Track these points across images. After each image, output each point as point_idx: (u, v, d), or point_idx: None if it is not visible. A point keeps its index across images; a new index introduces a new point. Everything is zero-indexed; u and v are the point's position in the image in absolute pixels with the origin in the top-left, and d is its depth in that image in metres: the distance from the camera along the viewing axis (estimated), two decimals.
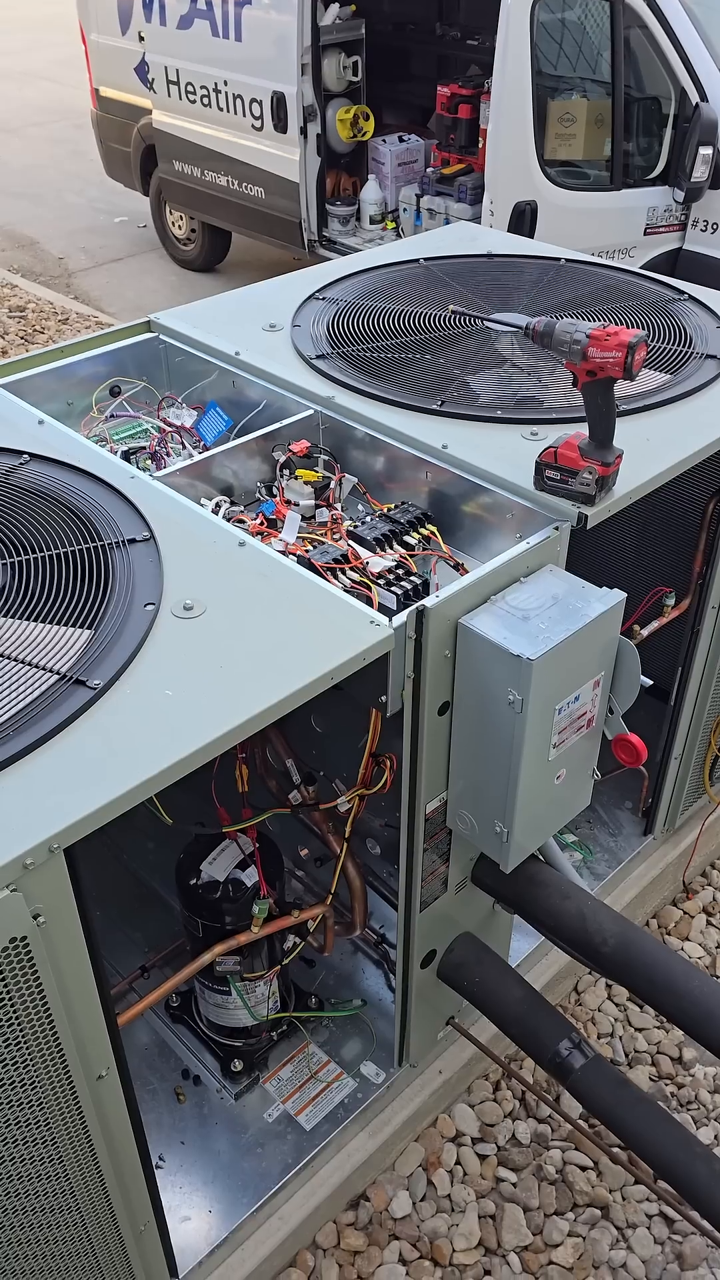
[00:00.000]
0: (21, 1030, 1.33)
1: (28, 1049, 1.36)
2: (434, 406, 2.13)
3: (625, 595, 1.80)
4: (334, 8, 5.69)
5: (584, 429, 1.87)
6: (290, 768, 2.21)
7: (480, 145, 5.49)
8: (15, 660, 1.48)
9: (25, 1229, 1.55)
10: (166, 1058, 2.39)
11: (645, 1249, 2.27)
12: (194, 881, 2.08)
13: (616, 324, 2.11)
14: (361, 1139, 2.30)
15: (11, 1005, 1.30)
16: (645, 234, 5.01)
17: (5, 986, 1.28)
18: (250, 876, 2.07)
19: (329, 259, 2.98)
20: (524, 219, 4.83)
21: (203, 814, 2.05)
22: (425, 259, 2.84)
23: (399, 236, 6.08)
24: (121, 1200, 1.66)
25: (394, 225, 6.17)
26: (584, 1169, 2.40)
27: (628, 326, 2.13)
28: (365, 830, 2.40)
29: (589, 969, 2.40)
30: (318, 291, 2.66)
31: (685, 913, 3.00)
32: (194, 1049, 2.38)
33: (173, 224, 7.62)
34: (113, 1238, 1.70)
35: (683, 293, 2.62)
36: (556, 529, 1.84)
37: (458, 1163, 2.41)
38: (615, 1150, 2.30)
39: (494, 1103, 2.51)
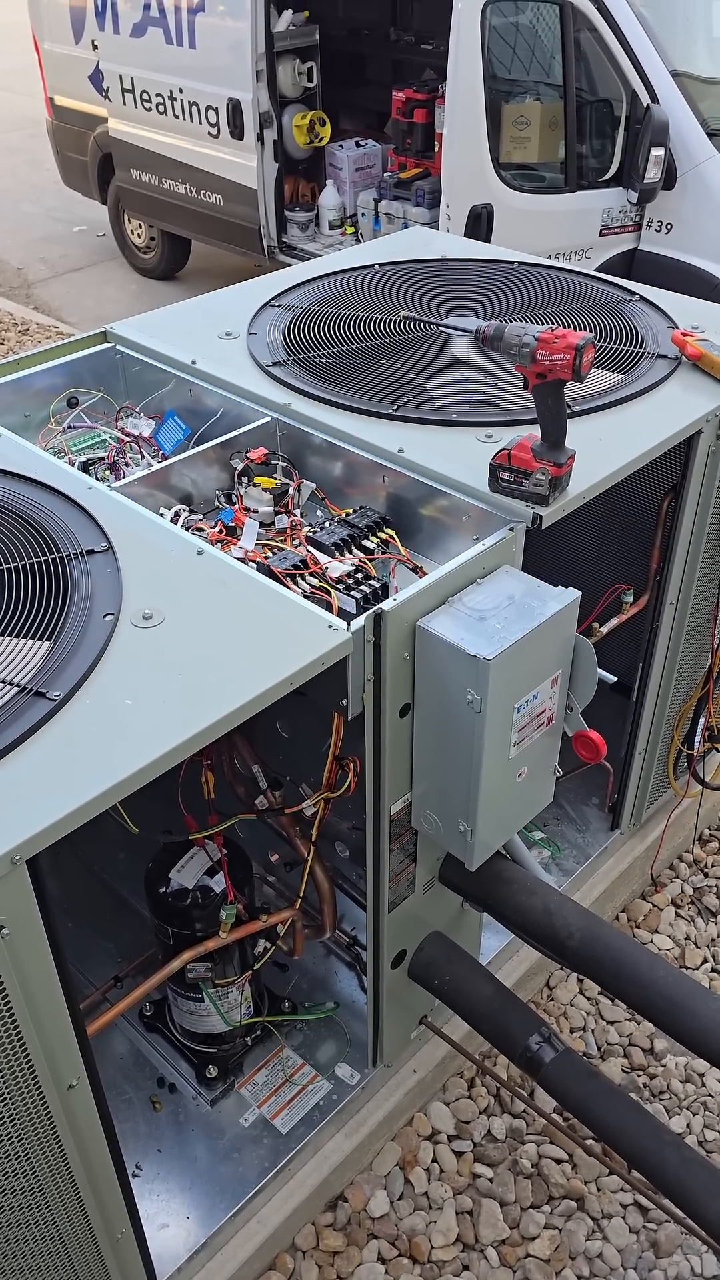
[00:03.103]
0: None
1: None
2: (390, 411, 2.15)
3: (580, 593, 1.83)
4: (287, 14, 5.71)
5: (537, 431, 1.89)
6: (256, 773, 2.22)
7: (436, 149, 5.52)
8: None
9: (1, 1241, 1.55)
10: (142, 1067, 2.39)
11: (620, 1238, 2.30)
12: (163, 889, 2.09)
13: (567, 326, 2.14)
14: (338, 1140, 2.31)
15: None
16: (600, 235, 5.06)
17: None
18: (219, 883, 2.08)
19: (289, 265, 3.00)
20: (480, 222, 4.87)
21: (171, 822, 2.06)
22: (380, 264, 2.86)
23: (358, 241, 6.10)
24: (97, 1209, 1.66)
25: (353, 230, 6.19)
26: (559, 1162, 2.42)
27: (579, 328, 2.16)
28: (332, 833, 2.42)
29: (557, 964, 2.43)
30: (273, 298, 2.68)
31: (654, 905, 3.04)
32: (169, 1057, 2.39)
33: (132, 232, 7.61)
34: (89, 1247, 1.70)
35: (634, 293, 2.66)
36: (512, 530, 1.87)
37: (434, 1160, 2.42)
38: (589, 1142, 2.32)
39: (469, 1100, 2.53)
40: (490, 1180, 2.39)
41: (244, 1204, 2.16)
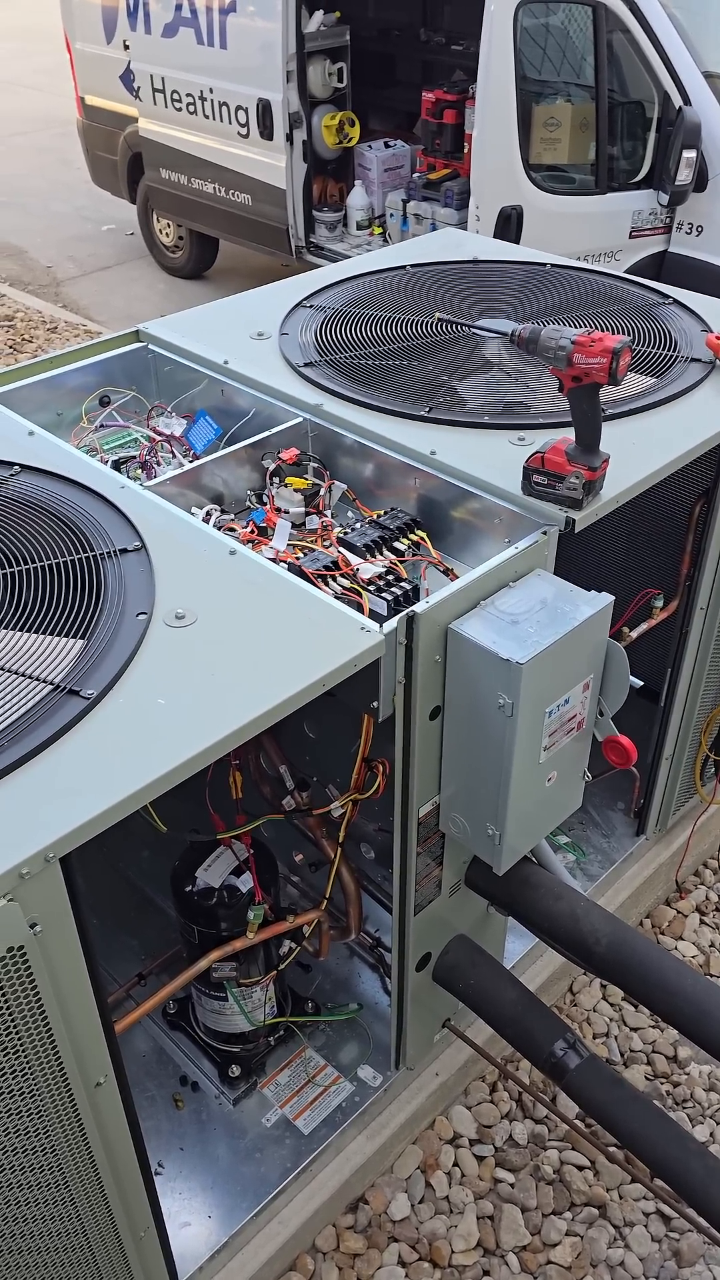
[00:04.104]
0: (19, 1039, 1.34)
1: (26, 1058, 1.36)
2: (422, 413, 2.15)
3: (613, 598, 1.82)
4: (318, 14, 5.71)
5: (571, 434, 1.88)
6: (284, 774, 2.22)
7: (466, 150, 5.52)
8: (9, 671, 1.49)
9: (26, 1236, 1.55)
10: (164, 1065, 2.39)
11: (643, 1247, 2.29)
12: (189, 888, 2.09)
13: (602, 329, 2.13)
14: (360, 1142, 2.31)
15: (9, 1014, 1.31)
16: (630, 237, 5.04)
17: (3, 996, 1.29)
18: (245, 883, 2.08)
19: (317, 265, 3.00)
20: (510, 223, 4.86)
21: (197, 821, 2.06)
22: (411, 265, 2.86)
23: (386, 242, 6.10)
24: (121, 1207, 1.67)
25: (381, 231, 6.19)
26: (581, 1168, 2.41)
27: (613, 331, 2.15)
28: (359, 835, 2.41)
29: (583, 969, 2.42)
30: (305, 299, 2.68)
31: (679, 912, 3.02)
32: (192, 1055, 2.39)
33: (160, 231, 7.63)
34: (113, 1244, 1.71)
35: (667, 296, 2.64)
36: (544, 533, 1.86)
37: (455, 1164, 2.42)
38: (612, 1149, 2.31)
39: (491, 1104, 2.52)
40: (512, 1185, 2.38)
41: (265, 1204, 2.16)
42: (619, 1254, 2.27)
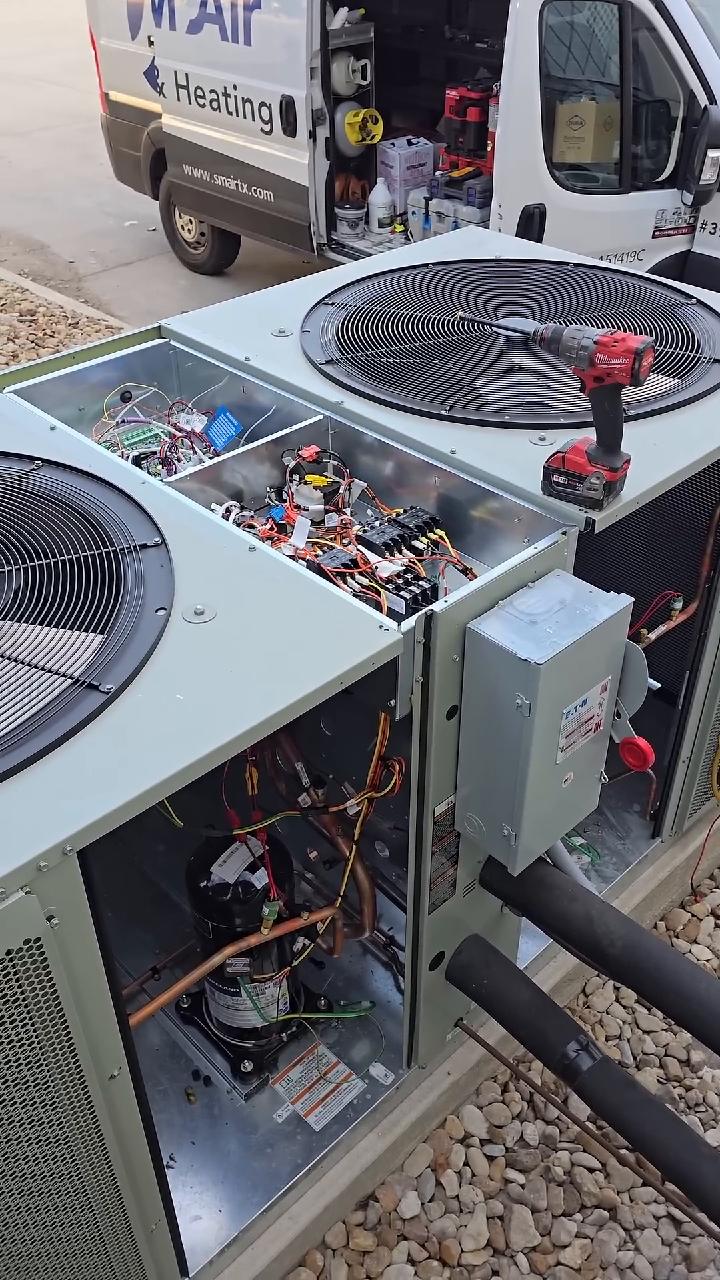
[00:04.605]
0: (35, 1031, 1.35)
1: (41, 1049, 1.37)
2: (442, 412, 2.15)
3: (632, 600, 1.81)
4: (343, 11, 5.71)
5: (592, 434, 1.88)
6: (300, 771, 2.22)
7: (489, 148, 5.50)
8: (29, 664, 1.50)
9: (39, 1227, 1.56)
10: (177, 1058, 2.40)
11: (653, 1250, 2.28)
12: (204, 884, 2.10)
13: (624, 329, 2.12)
14: (370, 1140, 2.31)
15: (25, 1006, 1.32)
16: (654, 237, 5.02)
17: (19, 987, 1.30)
18: (260, 879, 2.09)
19: (338, 262, 3.00)
20: (533, 222, 4.84)
21: (213, 817, 2.07)
22: (434, 264, 2.86)
23: (408, 240, 6.10)
24: (133, 1199, 1.68)
25: (403, 228, 6.19)
26: (592, 1170, 2.41)
27: (635, 332, 2.14)
28: (374, 833, 2.42)
29: (596, 971, 2.41)
30: (326, 297, 2.68)
31: (693, 915, 3.01)
32: (204, 1050, 2.40)
33: (182, 228, 7.65)
34: (124, 1236, 1.71)
35: (690, 297, 2.63)
36: (564, 534, 1.85)
37: (466, 1164, 2.42)
38: (623, 1152, 2.31)
39: (502, 1104, 2.52)
40: (522, 1186, 2.38)
41: (276, 1199, 2.16)
42: (629, 1257, 2.27)
